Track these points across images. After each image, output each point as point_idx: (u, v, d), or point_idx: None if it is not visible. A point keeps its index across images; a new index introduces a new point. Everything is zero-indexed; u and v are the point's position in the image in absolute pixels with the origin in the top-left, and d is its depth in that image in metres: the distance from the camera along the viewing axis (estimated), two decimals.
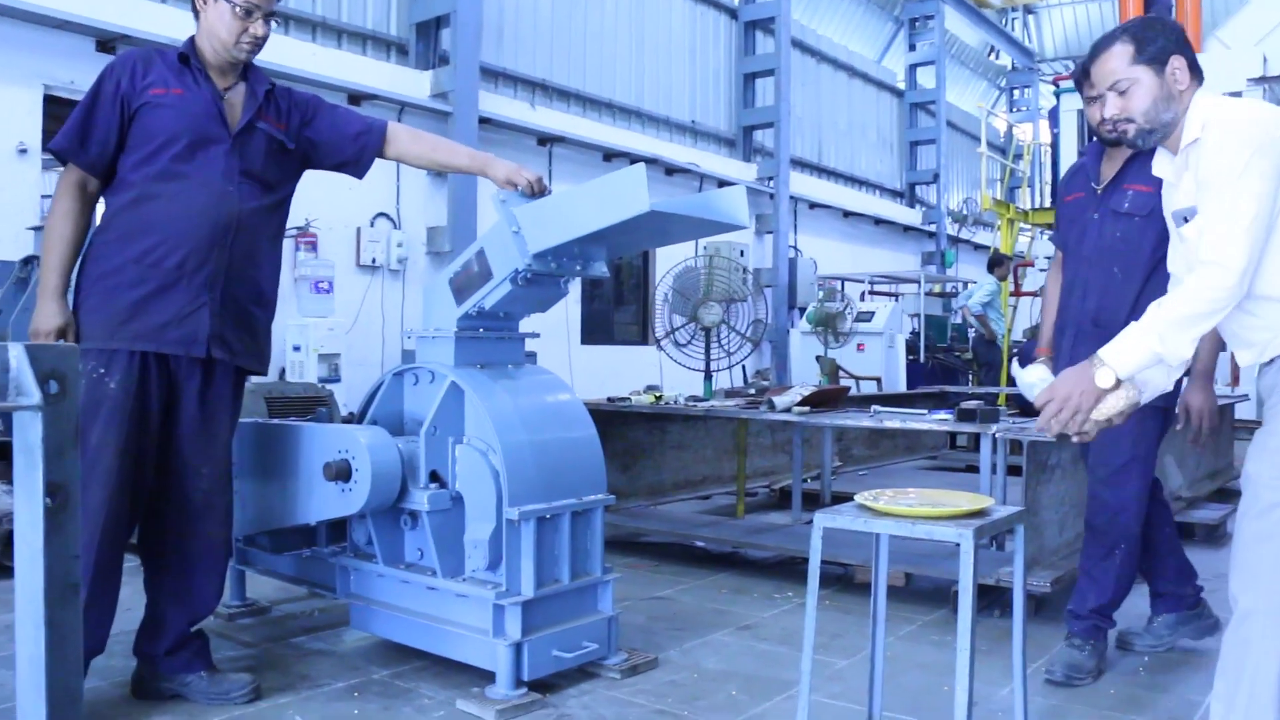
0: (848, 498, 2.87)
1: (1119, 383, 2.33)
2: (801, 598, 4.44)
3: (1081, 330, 3.57)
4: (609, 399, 5.68)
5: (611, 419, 5.78)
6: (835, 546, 4.72)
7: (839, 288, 14.86)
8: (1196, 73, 2.55)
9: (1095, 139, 3.59)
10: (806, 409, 5.03)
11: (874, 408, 4.83)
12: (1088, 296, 3.57)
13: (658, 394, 5.74)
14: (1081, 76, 3.30)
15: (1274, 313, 2.38)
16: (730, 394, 6.27)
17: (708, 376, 6.18)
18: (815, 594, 2.59)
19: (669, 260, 8.10)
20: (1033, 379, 2.60)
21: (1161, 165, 2.60)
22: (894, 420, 4.52)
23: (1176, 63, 2.53)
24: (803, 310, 14.35)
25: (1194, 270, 2.35)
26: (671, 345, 6.24)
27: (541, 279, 3.40)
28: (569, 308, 12.12)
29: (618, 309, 13.88)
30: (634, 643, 3.83)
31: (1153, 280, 3.47)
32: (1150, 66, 2.53)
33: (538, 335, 3.78)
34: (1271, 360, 2.44)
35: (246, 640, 3.85)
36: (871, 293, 17.33)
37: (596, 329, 13.15)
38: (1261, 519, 2.34)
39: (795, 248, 16.21)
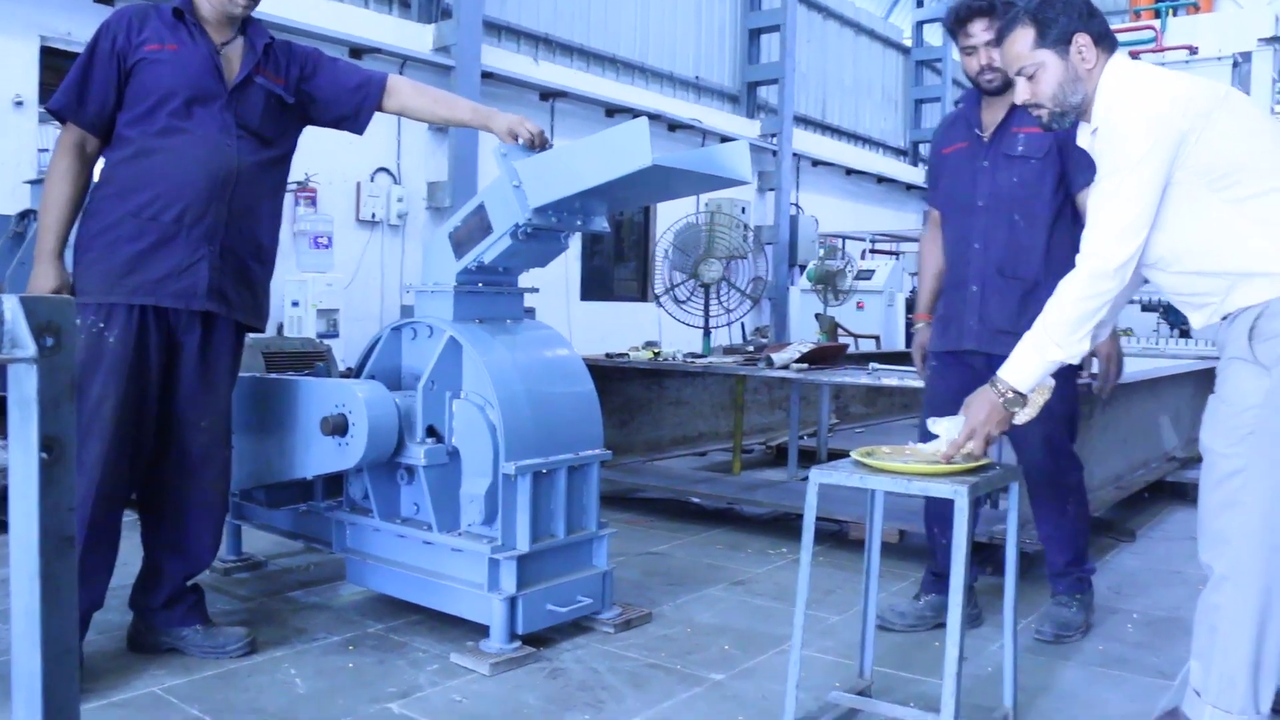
0: (844, 455, 2.88)
1: (1025, 396, 2.48)
2: (795, 554, 4.45)
3: (988, 283, 3.46)
4: (607, 355, 5.68)
5: (610, 375, 5.79)
6: (830, 503, 4.74)
7: (840, 246, 14.82)
8: (1107, 42, 2.54)
9: (973, 87, 3.48)
10: (804, 366, 5.03)
11: (872, 365, 4.83)
12: (990, 247, 3.45)
13: (656, 350, 5.74)
14: (955, 25, 3.30)
15: (1218, 283, 2.45)
16: (728, 351, 6.27)
17: (706, 333, 6.18)
18: (809, 550, 2.60)
19: (670, 216, 8.05)
20: (942, 432, 2.61)
21: (1084, 139, 2.62)
22: (891, 378, 4.51)
23: (1081, 40, 2.52)
24: (803, 268, 14.32)
25: (1077, 262, 2.46)
26: (671, 302, 6.24)
27: (541, 234, 3.39)
28: (569, 263, 12.07)
29: (618, 265, 13.83)
30: (628, 598, 3.85)
31: (1059, 225, 3.39)
32: (1054, 49, 2.53)
33: (537, 290, 3.77)
34: (1224, 317, 2.47)
35: (242, 594, 3.87)
36: (872, 251, 17.29)
37: (596, 285, 13.11)
38: (1220, 488, 2.42)
39: (797, 205, 16.13)
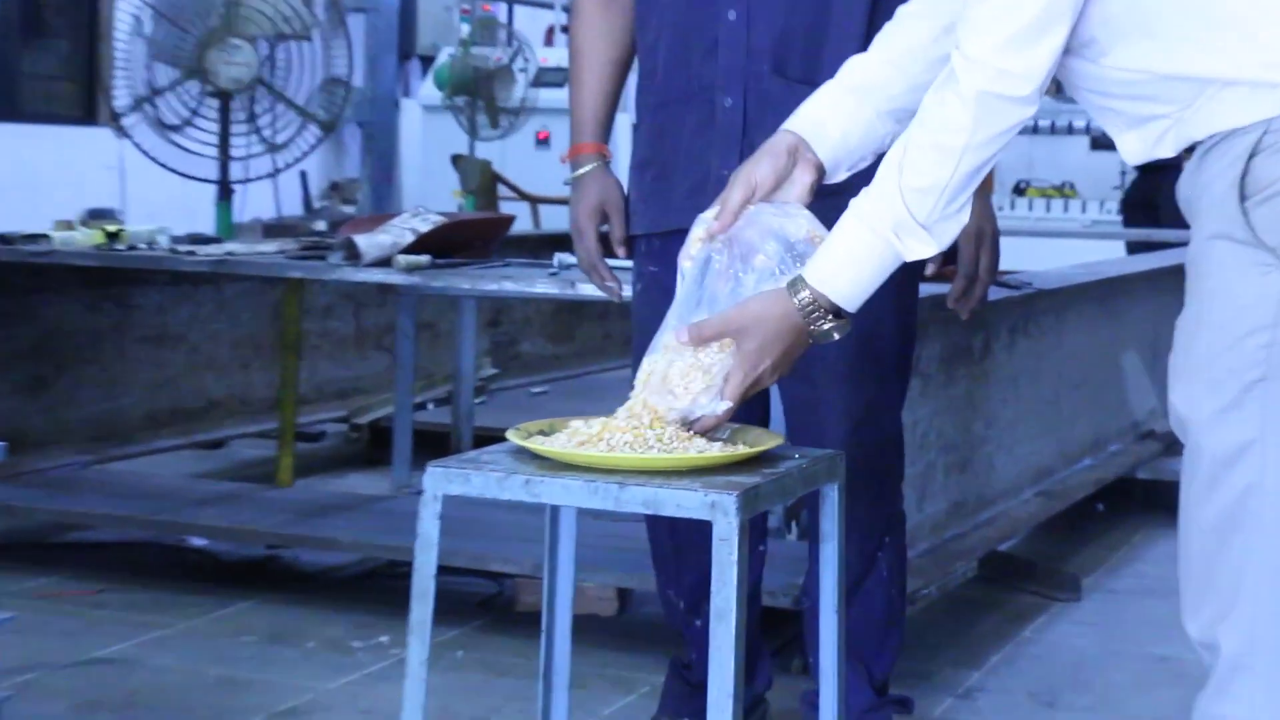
0: (502, 437, 2.85)
1: (848, 317, 2.66)
2: (404, 647, 4.42)
3: (755, 91, 3.51)
4: (4, 238, 5.53)
5: (7, 279, 5.70)
6: (477, 538, 4.78)
7: (505, 22, 14.83)
8: None
9: None
10: (425, 261, 4.97)
11: (560, 257, 4.80)
12: (757, 19, 3.49)
13: (113, 228, 5.60)
14: None
15: (1183, 88, 2.53)
16: (274, 230, 6.17)
17: (226, 194, 6.08)
18: (426, 637, 2.62)
19: None
20: (675, 374, 2.67)
21: None
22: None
23: None
24: (428, 62, 14.31)
25: (950, 76, 2.56)
26: (148, 126, 6.10)
27: None
28: None
29: (29, 48, 13.48)
30: None
31: None
32: None
33: None
34: (1190, 148, 2.56)
35: None
36: (566, 29, 17.41)
37: None
38: (1214, 492, 2.44)
39: None
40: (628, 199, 3.80)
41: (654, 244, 3.67)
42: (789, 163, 2.73)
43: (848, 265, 2.60)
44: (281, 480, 6.23)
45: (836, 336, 2.65)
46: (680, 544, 3.66)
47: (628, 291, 3.92)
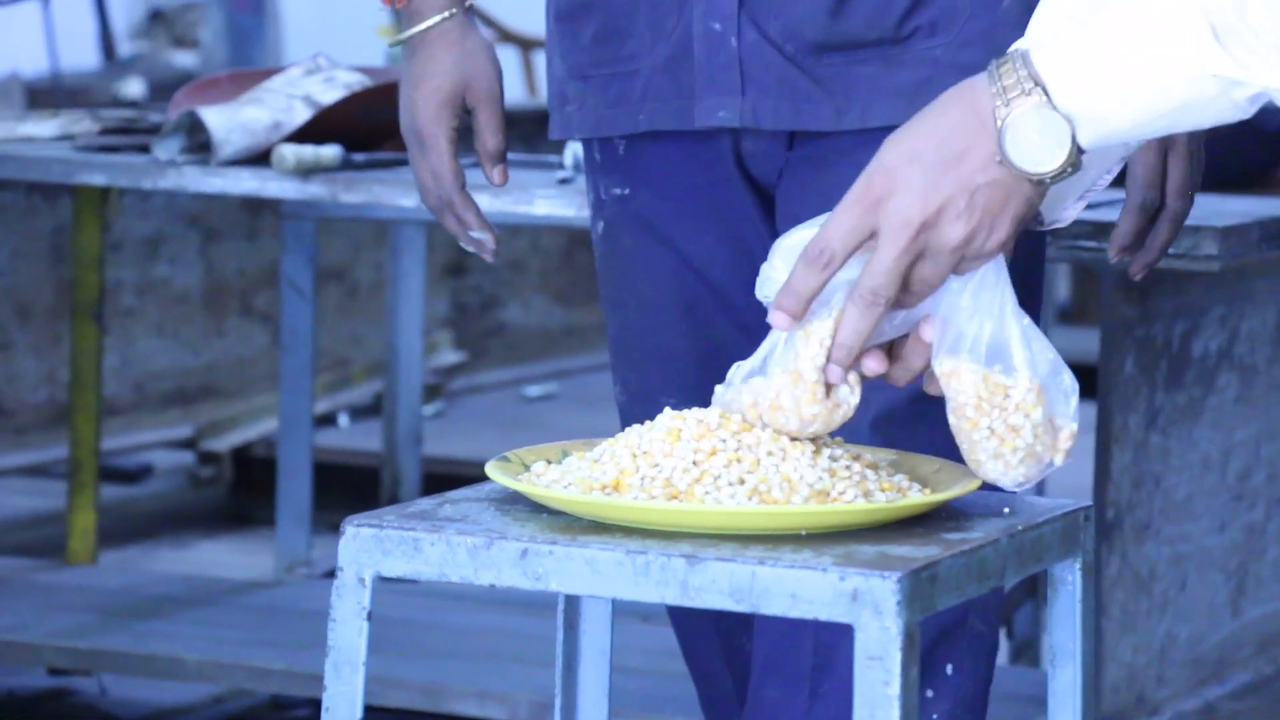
0: (473, 475, 2.27)
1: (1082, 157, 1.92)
2: None
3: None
4: None
5: None
6: (433, 657, 4.15)
7: None
8: None
9: None
10: (331, 157, 4.02)
11: (576, 151, 4.03)
12: None
13: None
14: None
15: None
16: (49, 97, 5.95)
17: None
18: None
19: None
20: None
21: None
22: None
23: None
24: None
25: None
26: None
27: None
28: None
29: None
30: None
31: None
32: None
33: None
34: None
35: None
36: None
37: None
38: None
39: None
40: (501, 73, 2.91)
41: (614, 150, 2.84)
42: None
43: (1099, 62, 1.79)
44: (75, 553, 5.07)
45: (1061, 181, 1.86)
46: (746, 675, 2.80)
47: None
